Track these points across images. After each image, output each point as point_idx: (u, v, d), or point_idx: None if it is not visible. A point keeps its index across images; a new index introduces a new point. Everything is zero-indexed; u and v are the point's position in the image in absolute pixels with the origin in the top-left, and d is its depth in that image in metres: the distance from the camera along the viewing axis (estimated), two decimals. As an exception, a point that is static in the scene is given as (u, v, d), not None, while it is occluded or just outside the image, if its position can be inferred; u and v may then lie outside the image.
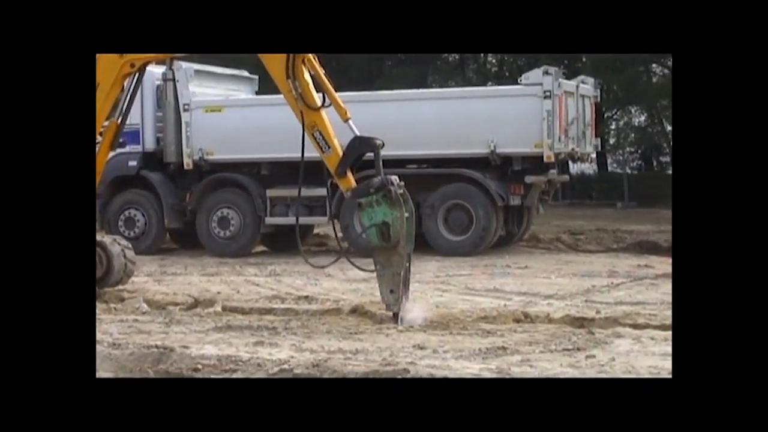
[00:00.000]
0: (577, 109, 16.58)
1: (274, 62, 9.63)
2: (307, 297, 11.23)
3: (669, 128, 32.88)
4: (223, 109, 17.21)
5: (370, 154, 9.58)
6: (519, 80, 16.50)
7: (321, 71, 9.72)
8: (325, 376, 6.66)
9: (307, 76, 9.61)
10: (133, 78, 10.83)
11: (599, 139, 18.67)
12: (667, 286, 11.38)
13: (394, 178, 9.33)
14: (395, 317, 9.10)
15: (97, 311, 9.25)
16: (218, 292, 11.79)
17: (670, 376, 6.05)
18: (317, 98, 9.61)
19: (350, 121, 9.65)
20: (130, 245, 11.96)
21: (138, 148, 17.25)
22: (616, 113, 35.85)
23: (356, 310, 9.80)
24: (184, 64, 16.90)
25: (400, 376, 6.48)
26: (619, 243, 17.75)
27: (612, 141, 34.97)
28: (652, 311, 9.58)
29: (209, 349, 7.66)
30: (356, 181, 9.60)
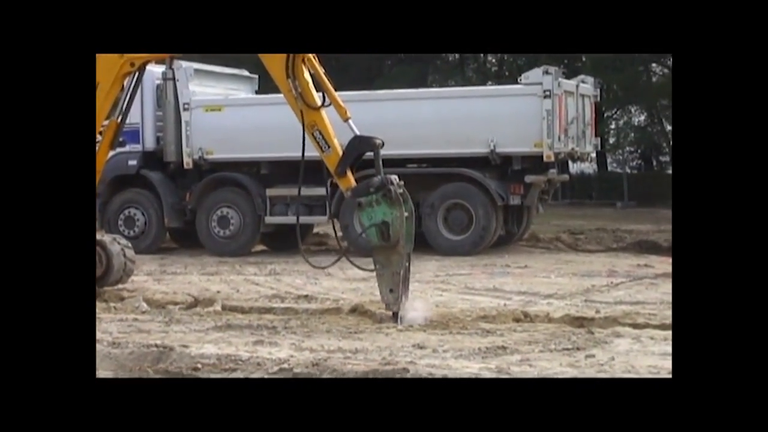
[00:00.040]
0: (577, 108, 16.58)
1: (274, 62, 9.63)
2: (306, 296, 11.23)
3: (669, 128, 32.88)
4: (223, 109, 17.21)
5: (369, 154, 9.58)
6: (519, 80, 16.50)
7: (321, 70, 9.72)
8: (325, 375, 6.66)
9: (306, 75, 9.62)
10: (133, 77, 10.83)
11: (599, 139, 18.68)
12: (666, 286, 11.39)
13: (394, 178, 9.33)
14: (395, 316, 9.10)
15: (96, 310, 9.25)
16: (218, 292, 11.79)
17: (670, 376, 6.06)
18: (317, 97, 9.61)
19: (350, 121, 9.65)
20: (129, 244, 11.96)
21: (138, 147, 17.25)
22: (615, 113, 35.84)
23: (356, 310, 9.80)
24: (184, 64, 16.89)
25: (399, 376, 6.48)
26: (618, 242, 17.75)
27: (612, 140, 34.96)
28: (651, 311, 9.58)
29: (209, 348, 7.66)
30: (356, 180, 9.60)
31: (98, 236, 11.38)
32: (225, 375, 6.82)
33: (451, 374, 6.51)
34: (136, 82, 10.99)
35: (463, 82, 30.70)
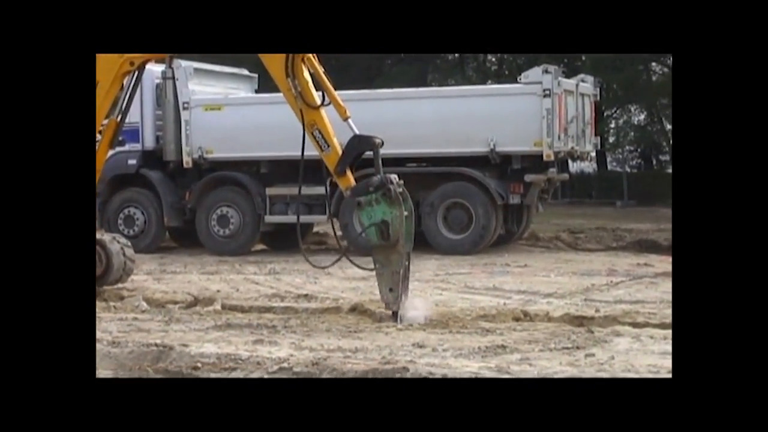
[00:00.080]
0: (577, 107, 16.58)
1: (274, 61, 9.63)
2: (306, 295, 11.23)
3: (668, 127, 32.87)
4: (222, 108, 17.21)
5: (369, 153, 9.58)
6: (518, 79, 16.50)
7: (320, 70, 9.72)
8: (325, 374, 6.66)
9: (306, 74, 9.61)
10: (133, 76, 10.82)
11: (599, 138, 18.68)
12: (666, 285, 11.39)
13: (394, 177, 9.33)
14: (394, 316, 9.10)
15: (96, 309, 9.24)
16: (218, 291, 11.79)
17: (670, 375, 6.06)
18: (317, 97, 9.60)
19: (350, 120, 9.64)
20: (129, 243, 11.95)
21: (137, 146, 17.26)
22: (615, 112, 35.83)
23: (356, 309, 9.80)
24: (184, 63, 16.89)
25: (399, 375, 6.48)
26: (618, 241, 17.76)
27: (611, 139, 34.95)
28: (651, 310, 9.58)
29: (209, 348, 7.66)
30: (356, 179, 9.60)
31: (98, 235, 11.38)
32: (225, 374, 6.81)
33: (450, 373, 6.51)
34: (135, 81, 10.98)
35: (463, 81, 30.69)
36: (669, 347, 6.97)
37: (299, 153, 9.81)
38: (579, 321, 8.95)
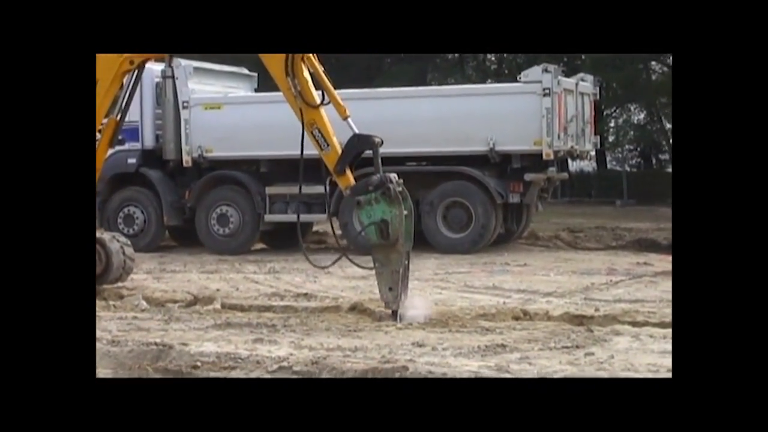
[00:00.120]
0: (577, 106, 16.58)
1: (274, 60, 9.63)
2: (306, 294, 11.23)
3: (668, 126, 32.87)
4: (222, 107, 17.21)
5: (369, 152, 9.58)
6: (518, 78, 16.50)
7: (320, 69, 9.71)
8: (324, 373, 6.66)
9: (306, 73, 9.61)
10: (132, 75, 10.82)
11: (598, 137, 18.68)
12: (665, 284, 11.39)
13: (393, 176, 9.32)
14: (394, 315, 9.10)
15: (96, 308, 9.24)
16: (217, 290, 11.79)
17: (669, 374, 6.06)
18: (316, 96, 9.60)
19: (349, 119, 9.64)
20: (129, 242, 11.95)
21: (137, 145, 17.25)
22: (615, 111, 35.82)
23: (355, 308, 9.80)
24: (183, 62, 16.88)
25: (398, 374, 6.48)
26: (618, 241, 17.76)
27: (611, 139, 34.94)
28: (650, 309, 9.58)
29: (208, 347, 7.66)
30: (355, 178, 9.60)
31: (97, 234, 11.38)
32: (224, 373, 6.82)
33: (450, 372, 6.51)
34: (135, 80, 10.98)
35: (463, 80, 30.68)
36: (668, 346, 6.97)
37: (299, 152, 9.81)
38: (578, 320, 8.95)
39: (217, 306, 10.35)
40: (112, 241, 11.60)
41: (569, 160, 20.79)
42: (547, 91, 15.53)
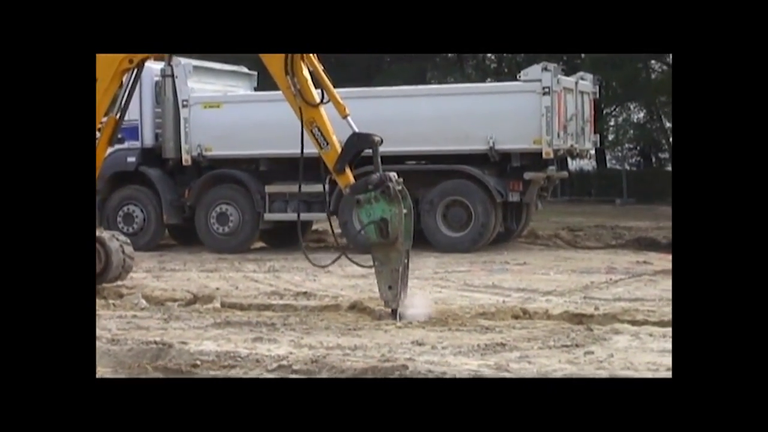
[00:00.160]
0: (576, 105, 16.57)
1: (273, 59, 9.63)
2: (305, 293, 11.23)
3: (668, 125, 32.88)
4: (221, 105, 17.20)
5: (368, 151, 9.58)
6: (518, 76, 16.50)
7: (320, 67, 9.71)
8: (324, 372, 6.66)
9: (305, 72, 9.61)
10: (132, 73, 10.81)
11: (598, 136, 18.68)
12: (665, 283, 11.40)
13: (393, 175, 9.32)
14: (393, 313, 9.10)
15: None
16: (217, 288, 11.79)
17: (669, 372, 6.06)
18: (316, 95, 9.60)
19: (349, 118, 9.64)
20: (128, 241, 11.94)
21: (137, 144, 17.24)
22: (615, 110, 35.83)
23: (355, 306, 9.80)
24: (183, 60, 16.87)
25: (398, 372, 6.48)
26: (617, 239, 17.77)
27: (611, 137, 34.95)
28: (650, 307, 9.58)
29: (208, 345, 7.66)
30: (355, 177, 9.59)
31: (97, 233, 11.38)
32: (224, 372, 6.82)
33: (449, 371, 6.51)
34: (134, 78, 10.97)
35: (462, 79, 30.69)
36: (668, 345, 6.98)
37: (298, 151, 9.81)
38: (578, 319, 8.95)
39: (217, 305, 10.35)
40: (111, 239, 11.59)
41: (569, 159, 20.79)
42: (546, 90, 15.53)
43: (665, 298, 10.08)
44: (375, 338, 8.09)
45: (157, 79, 17.20)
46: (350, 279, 12.23)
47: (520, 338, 7.93)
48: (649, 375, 6.39)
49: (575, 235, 18.33)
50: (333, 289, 11.52)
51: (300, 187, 11.30)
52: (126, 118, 11.52)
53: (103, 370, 6.82)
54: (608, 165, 36.29)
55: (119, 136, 11.79)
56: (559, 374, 6.47)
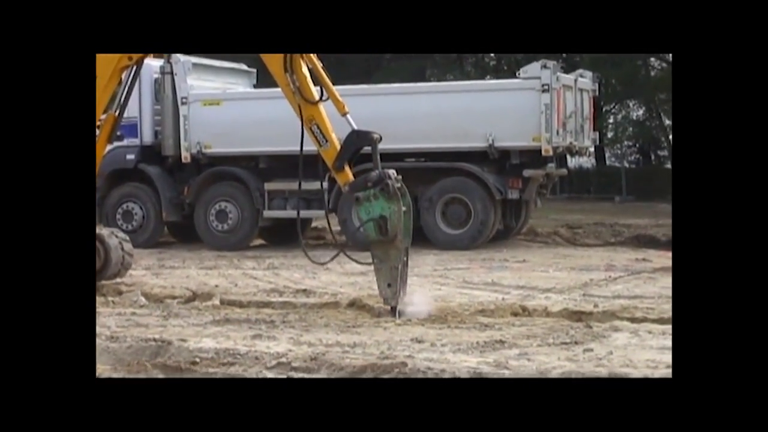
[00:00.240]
0: (576, 102, 16.57)
1: (273, 58, 9.62)
2: (305, 290, 11.23)
3: (667, 122, 32.89)
4: (221, 103, 17.21)
5: (367, 148, 9.57)
6: (517, 74, 16.50)
7: (319, 65, 9.71)
8: (323, 369, 6.66)
9: (305, 69, 9.61)
10: (131, 71, 10.82)
11: (597, 133, 18.67)
12: (664, 280, 11.40)
13: (392, 172, 9.32)
14: (393, 311, 9.10)
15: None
16: (216, 286, 11.79)
17: (668, 370, 6.06)
18: (315, 92, 9.60)
19: (348, 115, 9.64)
20: (127, 238, 11.95)
21: (136, 141, 17.25)
22: (614, 107, 35.84)
23: (354, 304, 9.80)
24: (182, 58, 16.88)
25: (397, 370, 6.48)
26: (616, 237, 17.76)
27: (610, 135, 34.97)
28: (649, 305, 9.58)
29: (207, 343, 7.67)
30: (354, 175, 9.59)
31: (96, 230, 11.38)
32: (223, 369, 6.82)
33: (449, 368, 6.52)
34: (134, 75, 10.98)
35: (462, 77, 30.69)
36: (667, 342, 6.98)
37: (298, 148, 9.80)
38: (577, 316, 8.95)
39: (216, 302, 10.35)
40: (110, 236, 11.60)
41: (568, 157, 20.74)
42: (546, 87, 15.53)
43: (664, 295, 10.08)
44: (374, 335, 8.09)
45: (156, 76, 17.20)
46: (349, 276, 12.23)
47: (520, 335, 7.93)
48: (648, 372, 6.39)
49: (574, 233, 18.33)
50: (332, 287, 11.52)
51: (300, 184, 11.30)
52: (125, 115, 11.51)
53: (102, 368, 6.82)
54: (607, 162, 36.30)
55: (118, 133, 11.78)
56: (558, 371, 6.47)
